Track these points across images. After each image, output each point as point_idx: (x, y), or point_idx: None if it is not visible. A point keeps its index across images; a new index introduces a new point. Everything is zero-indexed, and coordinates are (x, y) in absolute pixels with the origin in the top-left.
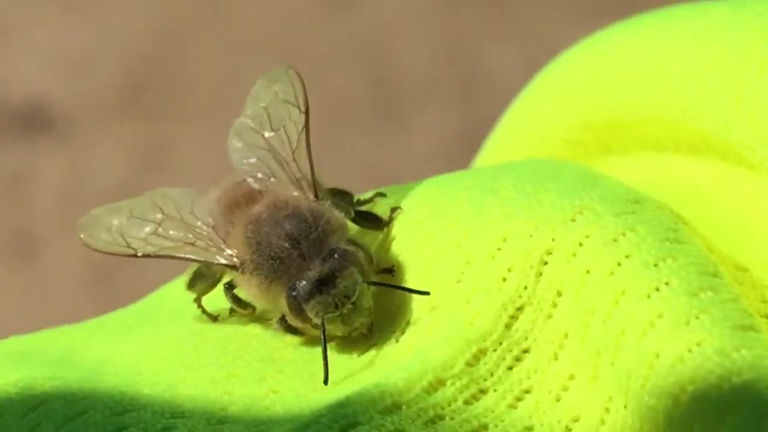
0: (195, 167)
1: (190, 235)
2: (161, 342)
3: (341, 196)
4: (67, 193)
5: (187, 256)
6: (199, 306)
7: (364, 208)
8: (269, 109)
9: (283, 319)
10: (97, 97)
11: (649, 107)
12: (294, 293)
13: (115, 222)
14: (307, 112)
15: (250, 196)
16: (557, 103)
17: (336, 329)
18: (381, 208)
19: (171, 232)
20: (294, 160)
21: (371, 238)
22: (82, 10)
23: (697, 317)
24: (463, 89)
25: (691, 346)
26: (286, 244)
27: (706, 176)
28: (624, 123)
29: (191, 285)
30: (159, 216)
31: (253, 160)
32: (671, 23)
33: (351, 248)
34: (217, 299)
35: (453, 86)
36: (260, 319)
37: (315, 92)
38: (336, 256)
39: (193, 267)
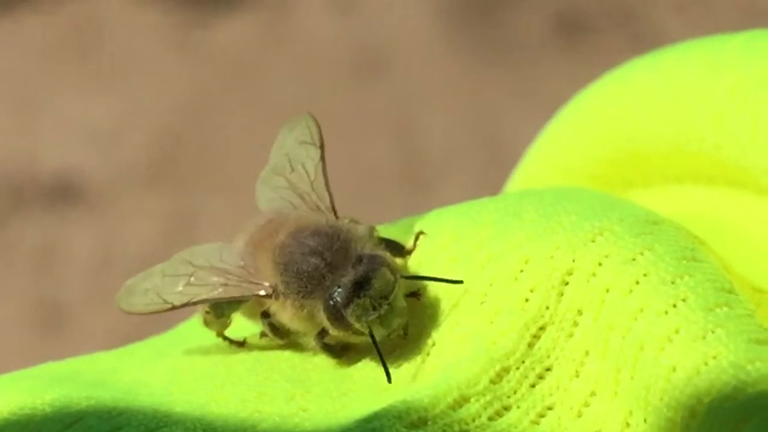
0: (223, 237)
1: (222, 278)
2: (192, 364)
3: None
4: (96, 264)
5: (221, 296)
6: (224, 338)
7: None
8: (290, 153)
9: (320, 336)
10: (126, 169)
11: (669, 138)
12: (332, 302)
13: (149, 285)
14: (322, 147)
15: (274, 231)
16: (581, 137)
17: (376, 332)
18: (405, 234)
19: (204, 279)
20: (313, 190)
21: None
22: (110, 84)
23: (713, 331)
24: (488, 155)
25: (707, 360)
26: (313, 259)
27: (725, 205)
28: (645, 155)
29: (207, 323)
30: (191, 269)
31: (276, 201)
32: (690, 55)
33: (378, 251)
34: (242, 327)
35: (478, 152)
36: (290, 343)
37: (341, 160)
38: (365, 260)
39: (203, 310)
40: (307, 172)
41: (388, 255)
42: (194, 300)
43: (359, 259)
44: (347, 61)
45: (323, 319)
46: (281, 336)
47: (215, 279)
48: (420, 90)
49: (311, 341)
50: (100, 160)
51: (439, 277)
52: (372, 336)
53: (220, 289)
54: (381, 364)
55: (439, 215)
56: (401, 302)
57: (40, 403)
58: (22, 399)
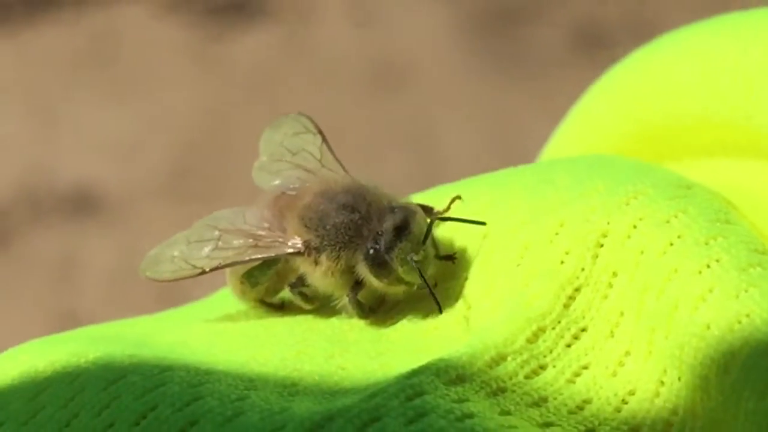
0: None
1: (251, 240)
2: (232, 326)
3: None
4: (114, 275)
5: (253, 257)
6: (262, 303)
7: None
8: (284, 143)
9: (353, 292)
10: (144, 180)
11: (698, 111)
12: (374, 248)
13: (176, 252)
14: (321, 132)
15: (296, 197)
16: (610, 113)
17: (413, 278)
18: (440, 199)
19: (232, 242)
20: (323, 166)
21: (435, 227)
22: (129, 96)
23: (746, 291)
24: (508, 167)
25: (740, 318)
26: (347, 211)
27: (755, 176)
28: (676, 129)
29: (243, 294)
30: (216, 233)
31: (282, 179)
32: (717, 29)
33: (406, 201)
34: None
35: (497, 164)
36: (325, 307)
37: (360, 171)
38: (398, 209)
39: (237, 280)
40: (311, 154)
41: (417, 206)
42: (225, 263)
43: (392, 210)
44: (366, 74)
45: (363, 270)
46: (311, 302)
47: (244, 241)
48: (439, 102)
49: (343, 300)
50: (118, 171)
51: (464, 218)
52: (421, 273)
53: (251, 250)
54: (417, 315)
55: (472, 182)
56: (432, 251)
57: (84, 361)
58: (66, 358)
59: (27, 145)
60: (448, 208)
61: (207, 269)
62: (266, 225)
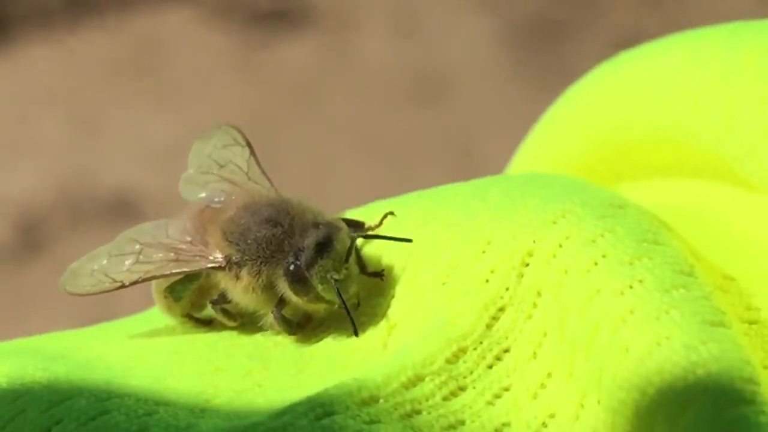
0: None
1: (172, 254)
2: (155, 341)
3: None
4: None
5: (173, 270)
6: (189, 317)
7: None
8: (212, 156)
9: (278, 309)
10: None
11: (652, 129)
12: (294, 265)
13: (95, 266)
14: (249, 145)
15: (219, 210)
16: (569, 130)
17: (333, 297)
18: (374, 215)
19: (153, 256)
20: (249, 179)
21: (363, 244)
22: (171, 103)
23: (667, 312)
24: None
25: (660, 340)
26: (270, 227)
27: (708, 197)
28: (632, 148)
29: (168, 309)
30: (137, 247)
31: (208, 191)
32: (671, 48)
33: (332, 219)
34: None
35: None
36: (252, 324)
37: (399, 182)
38: (322, 226)
39: (161, 295)
40: (239, 167)
41: (342, 223)
42: (145, 277)
43: (317, 225)
44: (408, 84)
45: (283, 287)
46: (234, 319)
47: (164, 255)
48: (480, 115)
49: (269, 317)
50: (159, 178)
51: (389, 236)
52: (339, 293)
53: (171, 264)
54: (342, 333)
55: (409, 198)
56: (355, 269)
57: (20, 381)
58: None
59: (68, 150)
60: (380, 224)
61: (126, 283)
62: (188, 239)
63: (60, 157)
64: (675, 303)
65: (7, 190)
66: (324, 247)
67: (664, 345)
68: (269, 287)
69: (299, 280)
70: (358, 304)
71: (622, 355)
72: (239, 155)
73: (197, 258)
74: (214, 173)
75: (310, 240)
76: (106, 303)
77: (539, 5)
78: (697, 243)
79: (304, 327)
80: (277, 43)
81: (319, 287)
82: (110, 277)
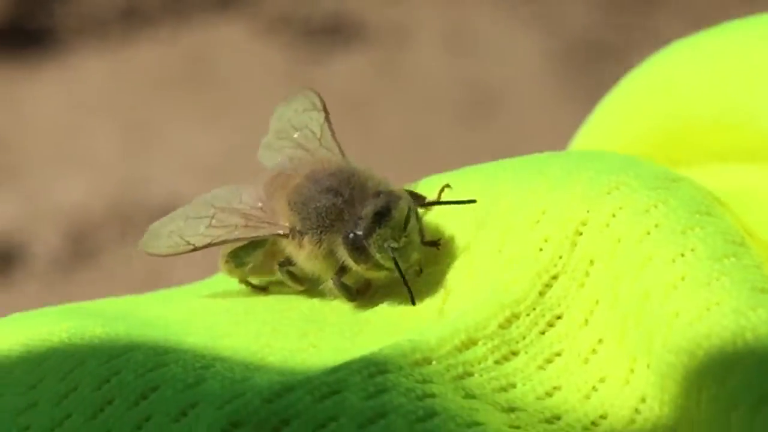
0: None
1: (242, 219)
2: (213, 304)
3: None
4: None
5: (241, 236)
6: (248, 285)
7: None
8: (291, 121)
9: (338, 276)
10: None
11: (709, 113)
12: (353, 234)
13: (173, 228)
14: (325, 110)
15: (289, 177)
16: (625, 118)
17: (391, 264)
18: (430, 188)
19: (224, 220)
20: (321, 145)
21: (423, 214)
22: (221, 117)
23: (718, 279)
24: None
25: (710, 305)
26: (330, 195)
27: (763, 180)
28: (688, 132)
29: (229, 272)
30: (212, 211)
31: (283, 158)
32: (728, 34)
33: (394, 187)
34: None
35: None
36: (309, 290)
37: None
38: (383, 194)
39: (223, 259)
40: (312, 132)
41: (404, 191)
42: (215, 241)
43: (377, 194)
44: (460, 101)
45: (343, 255)
46: (300, 283)
47: (235, 220)
48: (531, 132)
49: (329, 283)
50: (208, 188)
51: (453, 200)
52: (396, 261)
53: (239, 230)
54: (399, 300)
55: (466, 171)
56: (417, 237)
57: (57, 330)
58: (36, 333)
59: (119, 161)
60: (438, 196)
61: (198, 246)
62: (259, 205)
63: (111, 168)
64: (726, 270)
65: (58, 200)
66: (382, 215)
67: (714, 310)
68: (330, 255)
69: (358, 249)
70: (420, 271)
71: (672, 320)
72: (315, 120)
73: (264, 225)
74: (291, 139)
75: (369, 209)
76: None
77: (591, 25)
78: (750, 223)
79: (364, 294)
80: (330, 58)
81: (377, 255)
82: (184, 240)
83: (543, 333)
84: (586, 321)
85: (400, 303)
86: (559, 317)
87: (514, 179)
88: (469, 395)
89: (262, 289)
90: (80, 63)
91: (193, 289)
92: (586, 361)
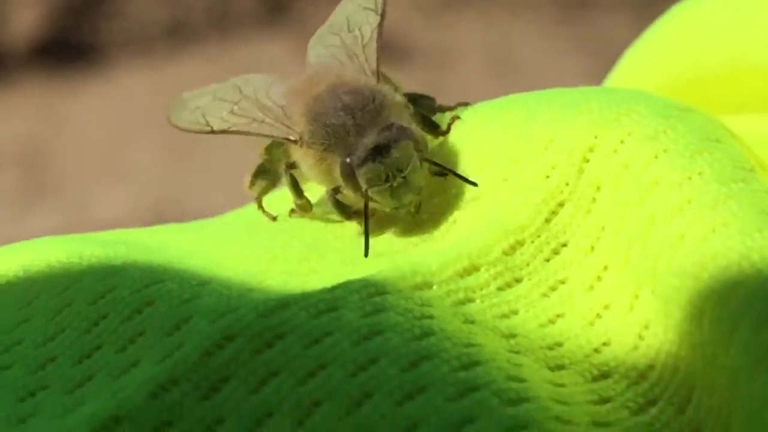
0: None
1: (261, 114)
2: (216, 232)
3: (421, 98)
4: None
5: (254, 131)
6: (259, 206)
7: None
8: (350, 16)
9: (333, 192)
10: None
11: (727, 61)
12: (348, 159)
13: (200, 103)
14: (382, 14)
15: (315, 83)
16: (645, 67)
17: (385, 202)
18: (445, 119)
19: (245, 110)
20: (363, 52)
21: (429, 142)
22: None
23: (724, 202)
24: None
25: (716, 227)
26: (342, 113)
27: None
28: (706, 81)
29: (252, 184)
30: (238, 96)
31: (325, 57)
32: None
33: (409, 125)
34: (276, 205)
35: None
36: (315, 220)
37: None
38: (393, 129)
39: (254, 167)
40: (362, 35)
41: (418, 130)
42: (231, 129)
43: (388, 126)
44: None
45: (336, 178)
46: (299, 195)
47: (255, 113)
48: None
49: (325, 197)
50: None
51: (457, 173)
52: (366, 203)
53: (255, 125)
54: (404, 229)
55: (478, 105)
56: (418, 180)
57: (56, 251)
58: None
59: (161, 176)
60: (448, 129)
61: (216, 129)
62: (283, 103)
63: (153, 182)
64: (733, 194)
65: (102, 213)
66: (380, 151)
67: (720, 231)
68: (329, 172)
69: (348, 176)
70: (417, 212)
71: (677, 242)
72: (369, 23)
73: (279, 126)
74: (341, 36)
75: (370, 140)
76: None
77: None
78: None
79: (360, 216)
80: None
81: (364, 188)
82: (205, 119)
83: (548, 260)
84: (592, 248)
85: (405, 232)
86: (564, 245)
87: (522, 109)
88: (469, 320)
89: (272, 217)
90: (124, 78)
91: (198, 224)
92: (591, 288)
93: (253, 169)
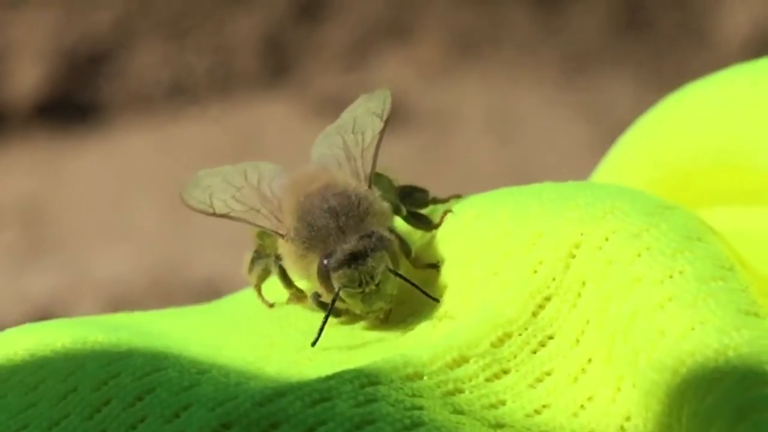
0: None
1: (259, 203)
2: (216, 318)
3: (414, 192)
4: None
5: (250, 220)
6: (258, 293)
7: (426, 210)
8: (357, 118)
9: (316, 296)
10: None
11: (714, 154)
12: (325, 261)
13: (211, 183)
14: (386, 121)
15: (310, 181)
16: (636, 158)
17: (356, 305)
18: (438, 212)
19: (246, 198)
20: (361, 157)
21: (421, 236)
22: None
23: (704, 300)
24: None
25: (694, 325)
26: (327, 215)
27: (765, 221)
28: (694, 174)
29: (250, 269)
30: (242, 183)
31: (327, 157)
32: (737, 76)
33: (389, 235)
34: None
35: None
36: (308, 308)
37: None
38: (373, 237)
39: (251, 252)
40: (363, 139)
41: (397, 243)
42: (230, 214)
43: (368, 234)
44: (503, 187)
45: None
46: (288, 284)
47: (254, 202)
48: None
49: (309, 298)
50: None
51: (422, 289)
52: (333, 301)
53: (251, 214)
54: (397, 321)
55: (469, 198)
56: (392, 289)
57: (61, 336)
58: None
59: (162, 237)
60: (440, 222)
61: (218, 213)
62: (280, 197)
63: (153, 243)
64: (712, 292)
65: (99, 273)
66: (356, 258)
67: (698, 329)
68: (308, 269)
69: (323, 276)
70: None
71: (657, 338)
72: (372, 128)
73: (272, 218)
74: (344, 138)
75: (349, 246)
76: None
77: (639, 114)
78: (752, 262)
79: (344, 315)
80: None
81: (337, 291)
82: (210, 200)
83: (534, 352)
84: (577, 341)
85: (398, 324)
86: (551, 337)
87: (512, 204)
88: (458, 411)
89: (268, 305)
90: (125, 138)
91: (199, 309)
92: (576, 380)
93: (250, 254)
